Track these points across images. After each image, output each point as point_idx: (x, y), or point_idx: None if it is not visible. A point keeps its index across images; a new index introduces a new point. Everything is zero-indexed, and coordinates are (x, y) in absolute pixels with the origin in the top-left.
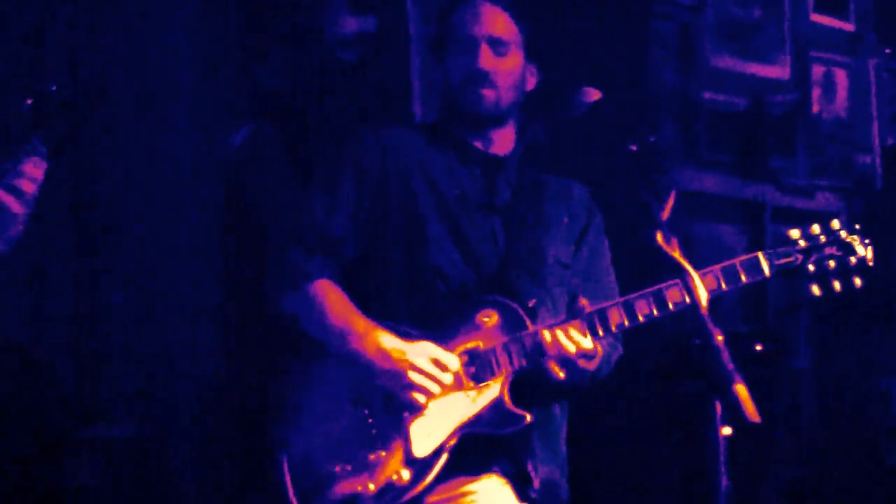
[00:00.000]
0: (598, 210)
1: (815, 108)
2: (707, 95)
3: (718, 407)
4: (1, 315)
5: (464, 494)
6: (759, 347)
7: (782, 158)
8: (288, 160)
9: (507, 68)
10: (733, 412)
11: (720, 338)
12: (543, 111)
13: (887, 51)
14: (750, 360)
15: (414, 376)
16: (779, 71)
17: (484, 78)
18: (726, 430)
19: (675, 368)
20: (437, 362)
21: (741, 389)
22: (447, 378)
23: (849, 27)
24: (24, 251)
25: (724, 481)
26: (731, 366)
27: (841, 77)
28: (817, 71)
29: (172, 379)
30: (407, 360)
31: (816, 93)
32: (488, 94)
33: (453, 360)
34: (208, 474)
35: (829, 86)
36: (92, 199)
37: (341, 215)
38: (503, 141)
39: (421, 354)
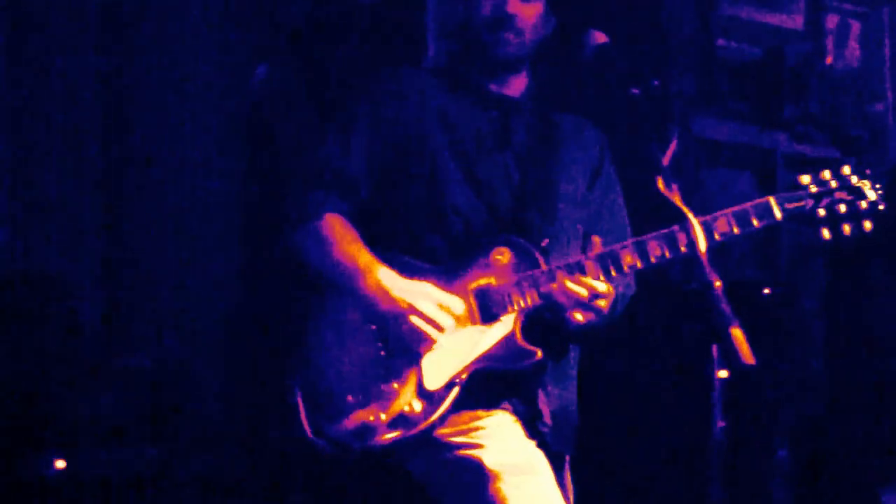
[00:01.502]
0: (609, 149)
1: (829, 58)
2: (721, 43)
3: (715, 350)
4: (35, 249)
5: (475, 428)
6: (766, 291)
7: (796, 107)
8: (307, 97)
9: (531, 13)
10: (730, 355)
11: (718, 283)
12: (553, 55)
13: None
14: (761, 303)
15: (416, 321)
16: (793, 20)
17: (510, 22)
18: (723, 373)
19: (675, 312)
20: (440, 306)
21: (737, 333)
22: (449, 322)
23: None
24: (58, 188)
25: (719, 421)
26: (727, 310)
27: (855, 27)
28: (831, 20)
29: (193, 310)
30: (407, 302)
31: (830, 42)
32: (512, 38)
33: (457, 303)
34: (229, 403)
35: (842, 35)
36: (120, 139)
37: (357, 155)
38: (517, 83)
39: (422, 296)
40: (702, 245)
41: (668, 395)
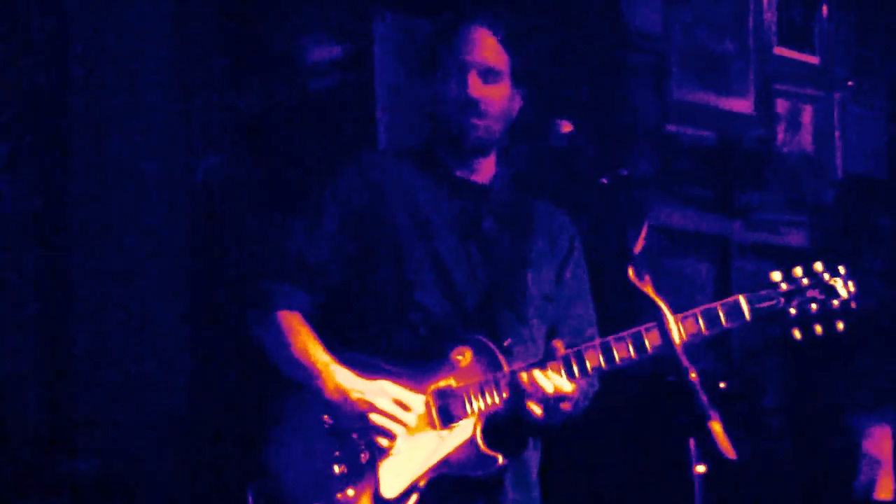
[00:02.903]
0: (579, 237)
1: (781, 142)
2: (671, 129)
3: (693, 444)
4: None
5: None
6: (722, 385)
7: (750, 193)
8: (260, 186)
9: (496, 97)
10: (709, 449)
11: (694, 375)
12: (526, 141)
13: (850, 83)
14: (717, 398)
15: (375, 418)
16: (745, 104)
17: (474, 107)
18: (700, 468)
19: (651, 405)
20: (398, 402)
21: (716, 426)
22: (410, 418)
23: (813, 60)
24: None
25: None
26: (705, 403)
27: (807, 111)
28: (782, 105)
29: (138, 412)
30: (366, 401)
31: (782, 127)
32: (478, 122)
33: (415, 400)
34: None
35: (794, 119)
36: (60, 225)
37: (322, 243)
38: (485, 168)
39: (380, 394)
40: (677, 337)
41: (645, 490)
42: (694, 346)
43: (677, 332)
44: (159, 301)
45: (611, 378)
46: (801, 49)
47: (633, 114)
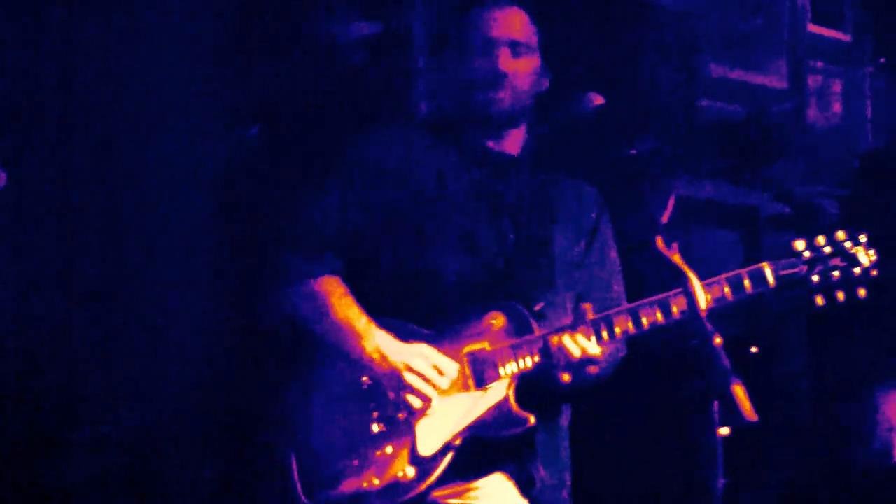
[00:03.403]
0: (607, 209)
1: (811, 117)
2: (704, 103)
3: (716, 407)
4: (6, 321)
5: (469, 489)
6: (754, 350)
7: (778, 166)
8: (284, 163)
9: (524, 70)
10: (731, 412)
11: (718, 340)
12: (552, 115)
13: (882, 60)
14: (745, 362)
15: (410, 378)
16: (776, 80)
17: (502, 80)
18: (723, 431)
19: (676, 369)
20: (434, 365)
21: (738, 390)
22: (443, 382)
23: (845, 38)
24: (16, 255)
25: (721, 480)
26: (728, 367)
27: (837, 86)
28: (813, 80)
29: (164, 378)
30: (403, 362)
31: (813, 101)
32: (505, 96)
33: (450, 364)
34: (199, 473)
35: (824, 94)
36: (85, 204)
37: (351, 214)
38: (515, 140)
39: (417, 356)
40: (702, 303)
41: (669, 453)
42: (724, 311)
43: (703, 299)
44: (187, 271)
45: (637, 343)
46: (833, 26)
47: (664, 89)
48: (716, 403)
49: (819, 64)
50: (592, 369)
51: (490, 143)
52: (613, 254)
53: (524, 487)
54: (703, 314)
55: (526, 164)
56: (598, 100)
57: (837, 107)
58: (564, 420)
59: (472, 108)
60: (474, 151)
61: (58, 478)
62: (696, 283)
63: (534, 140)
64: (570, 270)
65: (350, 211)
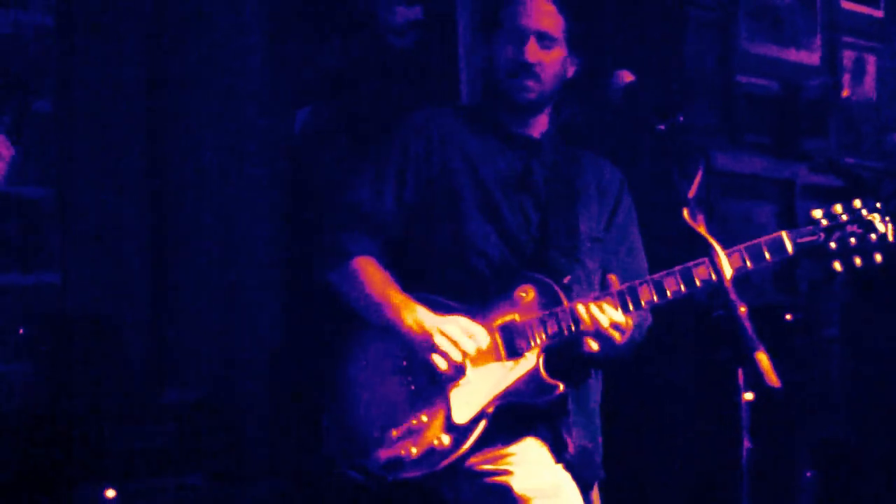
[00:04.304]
0: (627, 185)
1: (846, 92)
2: (742, 79)
3: (741, 374)
4: (85, 289)
5: (503, 455)
6: (788, 317)
7: (814, 139)
8: (346, 138)
9: (551, 61)
10: (755, 378)
11: (743, 309)
12: (580, 94)
13: None
14: (781, 330)
15: (439, 340)
16: (811, 56)
17: (529, 69)
18: (748, 396)
19: (705, 338)
20: (464, 331)
21: (762, 357)
22: (471, 346)
23: (878, 13)
24: (108, 231)
25: (747, 443)
26: (753, 335)
27: (870, 61)
28: (848, 56)
29: (237, 346)
30: (437, 328)
31: (847, 76)
32: (533, 85)
33: (481, 332)
34: (275, 434)
35: (859, 69)
36: (165, 179)
37: (388, 197)
38: (539, 124)
39: (451, 323)
40: (728, 273)
41: (696, 418)
42: (762, 281)
43: (729, 270)
44: (255, 244)
45: (671, 312)
46: (866, 3)
47: (699, 66)
48: (741, 370)
49: (853, 40)
50: (618, 337)
51: (514, 127)
52: (634, 228)
53: (558, 451)
54: (729, 284)
55: (550, 145)
56: (628, 77)
57: (871, 82)
58: (595, 390)
59: (500, 93)
60: (502, 134)
61: (144, 438)
62: (721, 255)
63: (562, 120)
64: (593, 246)
65: (388, 193)
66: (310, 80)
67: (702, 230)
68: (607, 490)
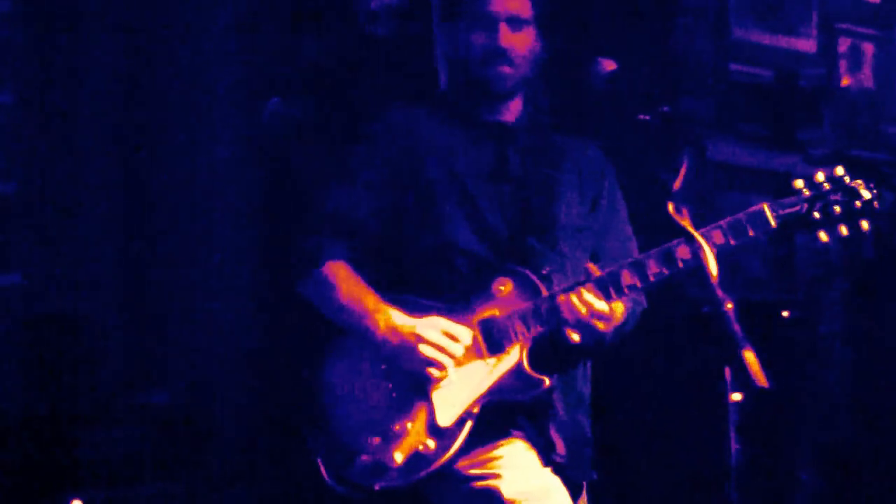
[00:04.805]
0: (612, 167)
1: (844, 80)
2: (734, 67)
3: (728, 373)
4: (53, 289)
5: (491, 459)
6: (785, 314)
7: (810, 130)
8: (321, 130)
9: (523, 44)
10: (742, 377)
11: (729, 305)
12: (564, 82)
13: None
14: (779, 326)
15: (424, 349)
16: (807, 43)
17: (504, 55)
18: (736, 396)
19: (688, 336)
20: (446, 334)
21: (749, 355)
22: (457, 349)
23: (874, 0)
24: (77, 229)
25: (734, 444)
26: (740, 333)
27: (867, 49)
28: (843, 43)
29: (213, 348)
30: (416, 334)
31: (843, 65)
32: (508, 71)
33: (463, 332)
34: (251, 438)
35: (855, 57)
36: (137, 176)
37: (363, 202)
38: (512, 110)
39: (430, 327)
40: (713, 269)
41: (685, 418)
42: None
43: (714, 265)
44: (234, 241)
45: (650, 312)
46: None
47: (691, 54)
48: (727, 369)
49: (849, 27)
50: (601, 326)
51: (486, 115)
52: (622, 213)
53: (545, 453)
54: (715, 280)
55: (525, 130)
56: (610, 65)
57: (868, 70)
58: (584, 388)
59: (472, 81)
60: (473, 124)
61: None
62: (707, 250)
63: (531, 108)
64: (575, 234)
65: (362, 195)
66: (286, 74)
67: (686, 224)
68: (598, 492)
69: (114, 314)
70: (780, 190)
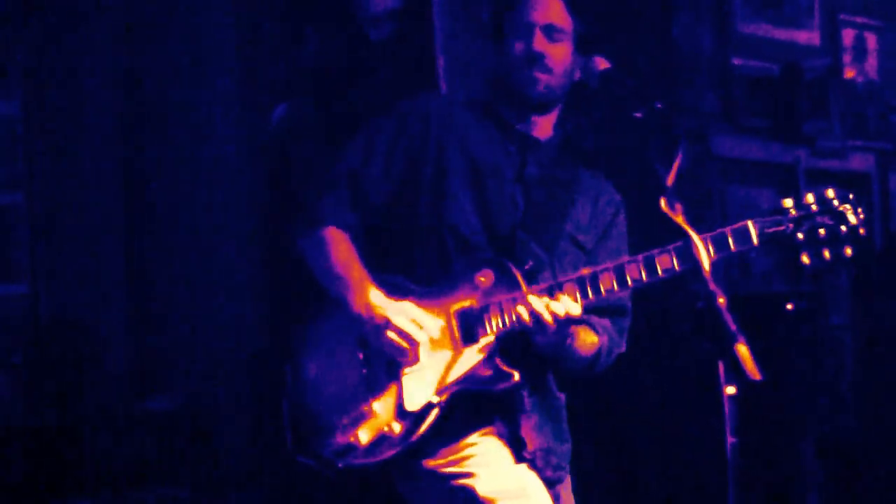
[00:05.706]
0: (624, 207)
1: (848, 72)
2: (738, 61)
3: (722, 367)
4: (61, 297)
5: (465, 457)
6: (789, 307)
7: (816, 122)
8: (323, 133)
9: (559, 53)
10: (736, 371)
11: (722, 300)
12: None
13: None
14: (786, 318)
15: (390, 334)
16: (811, 35)
17: (538, 60)
18: (730, 390)
19: (682, 331)
20: (414, 322)
21: (742, 349)
22: (422, 337)
23: None
24: (81, 235)
25: (730, 438)
26: (733, 326)
27: (871, 40)
28: (847, 35)
29: (216, 354)
30: (385, 317)
31: (847, 56)
32: (541, 76)
33: (431, 321)
34: (256, 442)
35: (859, 49)
36: (141, 182)
37: (375, 162)
38: (543, 127)
39: (399, 313)
40: (706, 263)
41: (680, 412)
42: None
43: (706, 258)
44: (236, 247)
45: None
46: None
47: (694, 47)
48: (721, 363)
49: (853, 18)
50: (571, 329)
51: (518, 124)
52: (625, 246)
53: (516, 450)
54: (707, 275)
55: (550, 149)
56: (604, 64)
57: (873, 61)
58: (558, 386)
59: (508, 87)
60: (504, 130)
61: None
62: (699, 245)
63: (561, 130)
64: (575, 249)
65: (377, 159)
66: (286, 76)
67: (679, 219)
68: (594, 486)
69: (118, 322)
70: (787, 182)
